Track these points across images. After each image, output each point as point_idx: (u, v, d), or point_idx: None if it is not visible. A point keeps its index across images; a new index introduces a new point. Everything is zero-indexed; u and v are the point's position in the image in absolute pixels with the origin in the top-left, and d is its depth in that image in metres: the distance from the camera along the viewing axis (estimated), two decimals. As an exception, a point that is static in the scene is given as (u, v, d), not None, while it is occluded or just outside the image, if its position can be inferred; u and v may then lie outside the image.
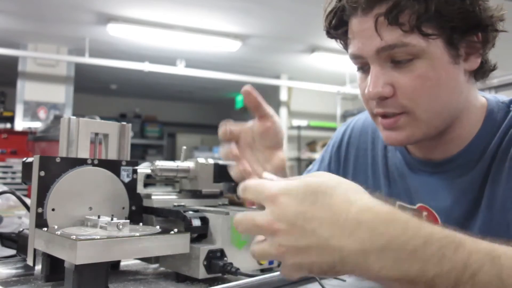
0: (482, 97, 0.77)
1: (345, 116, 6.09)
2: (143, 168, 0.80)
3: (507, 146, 0.70)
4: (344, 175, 0.95)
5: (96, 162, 0.72)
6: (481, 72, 0.73)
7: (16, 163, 4.18)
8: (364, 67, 0.72)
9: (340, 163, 0.97)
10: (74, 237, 0.57)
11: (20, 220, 1.31)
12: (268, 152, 0.73)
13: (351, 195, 0.45)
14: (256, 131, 0.72)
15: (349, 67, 5.08)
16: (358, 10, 0.68)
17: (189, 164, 0.82)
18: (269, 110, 0.72)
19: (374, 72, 0.68)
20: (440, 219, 0.77)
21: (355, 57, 0.72)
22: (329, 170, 0.99)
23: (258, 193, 0.47)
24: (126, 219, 0.70)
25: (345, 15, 0.71)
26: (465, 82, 0.71)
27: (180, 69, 5.38)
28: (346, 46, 0.76)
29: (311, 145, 6.42)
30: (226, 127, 0.70)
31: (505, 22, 0.70)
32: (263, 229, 0.46)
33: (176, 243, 0.65)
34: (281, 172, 0.75)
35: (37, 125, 4.67)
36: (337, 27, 0.74)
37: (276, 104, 6.78)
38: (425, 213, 0.79)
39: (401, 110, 0.68)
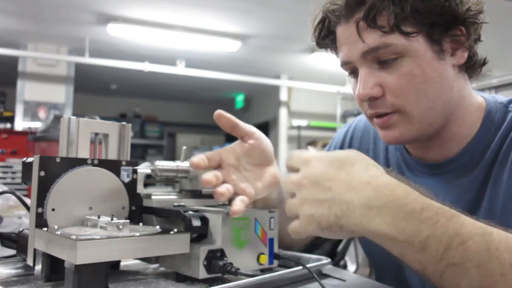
0: (479, 96, 0.77)
1: (345, 116, 6.09)
2: (143, 168, 0.80)
3: (508, 148, 0.70)
4: None
5: (96, 162, 0.72)
6: (471, 66, 0.74)
7: (16, 163, 4.18)
8: (354, 72, 0.74)
9: None
10: (74, 237, 0.57)
11: (20, 220, 1.31)
12: (257, 169, 0.74)
13: (370, 168, 0.54)
14: (239, 151, 0.73)
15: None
16: (341, 18, 0.71)
17: (189, 164, 0.82)
18: (249, 128, 0.74)
19: (362, 75, 0.70)
20: None
21: (344, 64, 0.74)
22: None
23: (299, 158, 0.58)
24: (126, 219, 0.70)
25: (331, 25, 0.75)
26: (455, 77, 0.72)
27: (180, 69, 5.38)
28: (337, 54, 0.78)
29: (311, 145, 6.41)
30: (199, 158, 0.71)
31: (489, 14, 0.71)
32: (294, 183, 0.57)
33: (176, 243, 0.65)
34: (274, 188, 0.77)
35: (37, 125, 4.67)
36: (325, 37, 0.77)
37: (276, 104, 6.78)
38: None
39: (391, 109, 0.70)
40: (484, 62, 0.75)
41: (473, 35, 0.70)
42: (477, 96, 0.77)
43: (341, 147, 0.98)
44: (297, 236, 0.56)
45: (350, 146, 0.96)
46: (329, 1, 0.73)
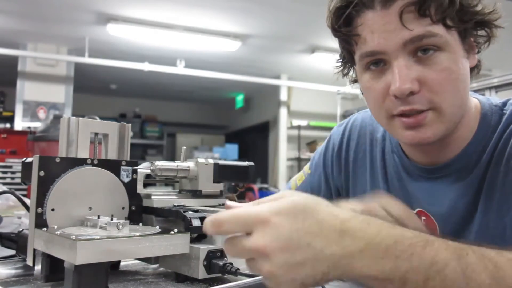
0: (474, 98, 0.77)
1: (345, 116, 6.09)
2: (143, 168, 0.80)
3: (502, 150, 0.70)
4: (346, 180, 0.94)
5: (96, 162, 0.72)
6: (476, 71, 0.74)
7: (15, 163, 4.18)
8: (379, 64, 0.69)
9: (342, 167, 0.94)
10: (73, 237, 0.57)
11: (19, 220, 1.31)
12: None
13: (333, 210, 0.49)
14: None
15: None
16: (376, 4, 0.66)
17: (189, 164, 0.81)
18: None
19: (400, 67, 0.66)
20: (438, 224, 0.77)
21: (373, 54, 0.68)
22: (329, 175, 0.97)
23: (244, 221, 0.48)
24: (126, 219, 0.70)
25: (355, 11, 0.68)
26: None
27: (180, 69, 5.38)
28: (349, 45, 0.73)
29: (311, 145, 6.42)
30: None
31: (503, 21, 0.72)
32: (258, 252, 0.47)
33: (176, 243, 0.65)
34: None
35: (36, 125, 4.67)
36: (347, 24, 0.70)
37: (276, 104, 6.78)
38: (423, 218, 0.79)
39: (427, 106, 0.66)
40: (481, 67, 0.76)
41: (490, 40, 0.71)
42: (472, 99, 0.77)
43: (339, 148, 0.96)
44: None
45: (347, 147, 0.94)
46: None
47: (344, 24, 0.70)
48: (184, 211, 0.72)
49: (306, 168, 1.04)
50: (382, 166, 0.87)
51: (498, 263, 0.47)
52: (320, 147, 1.03)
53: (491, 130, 0.72)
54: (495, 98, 0.79)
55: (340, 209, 0.50)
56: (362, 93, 0.77)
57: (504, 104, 0.75)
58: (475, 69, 0.74)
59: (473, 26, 0.69)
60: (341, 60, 0.81)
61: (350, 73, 0.82)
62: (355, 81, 0.82)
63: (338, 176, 0.95)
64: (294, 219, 0.47)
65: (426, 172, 0.78)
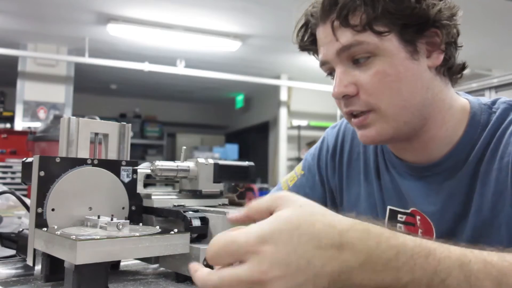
0: (463, 98, 0.78)
1: (345, 116, 6.09)
2: (143, 168, 0.80)
3: (495, 148, 0.70)
4: (339, 181, 0.95)
5: (96, 162, 0.72)
6: (448, 69, 0.75)
7: (16, 163, 4.19)
8: (332, 73, 0.76)
9: (336, 169, 0.95)
10: (74, 237, 0.57)
11: (20, 220, 1.31)
12: None
13: (330, 220, 0.46)
14: None
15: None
16: (319, 20, 0.74)
17: (189, 164, 0.82)
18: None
19: (338, 74, 0.72)
20: (432, 223, 0.77)
21: (322, 64, 0.76)
22: (324, 177, 0.97)
23: (233, 253, 0.44)
24: (126, 219, 0.70)
25: (312, 28, 0.78)
26: (431, 79, 0.73)
27: (180, 69, 5.38)
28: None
29: (311, 145, 6.41)
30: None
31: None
32: (255, 283, 0.43)
33: (176, 243, 0.65)
34: None
35: (37, 125, 4.67)
36: (307, 40, 0.80)
37: (276, 104, 6.78)
38: (418, 217, 0.79)
39: (366, 107, 0.72)
40: (463, 67, 0.76)
41: (448, 38, 0.71)
42: (459, 99, 0.78)
43: (334, 150, 0.96)
44: None
45: (342, 149, 0.94)
46: (310, 5, 0.76)
47: (307, 40, 0.80)
48: (184, 211, 0.72)
49: (298, 169, 1.02)
50: (376, 167, 0.87)
51: (502, 269, 0.46)
52: (313, 148, 1.02)
53: (480, 128, 0.73)
54: (485, 98, 0.80)
55: (338, 218, 0.47)
56: None
57: (493, 103, 0.76)
58: (453, 69, 0.75)
59: (416, 28, 0.69)
60: None
61: None
62: None
63: (332, 178, 0.95)
64: (289, 239, 0.43)
65: (417, 171, 0.79)
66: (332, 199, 0.96)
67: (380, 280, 0.45)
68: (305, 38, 0.80)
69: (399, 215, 0.83)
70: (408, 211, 0.81)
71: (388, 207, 0.84)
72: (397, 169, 0.83)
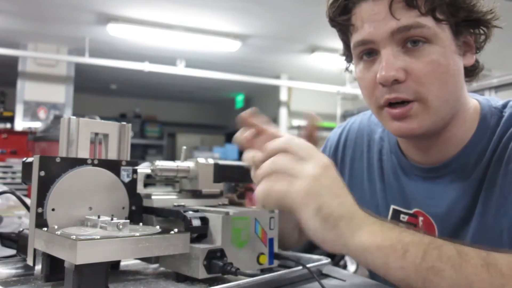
0: (474, 99, 0.77)
1: (345, 116, 6.09)
2: (143, 168, 0.80)
3: (502, 153, 0.70)
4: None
5: (96, 162, 0.72)
6: (473, 71, 0.75)
7: (16, 163, 4.18)
8: (370, 54, 0.70)
9: (337, 167, 0.94)
10: (74, 237, 0.57)
11: (20, 220, 1.31)
12: None
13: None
14: None
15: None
16: None
17: (189, 164, 0.82)
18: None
19: (387, 56, 0.67)
20: (436, 225, 0.77)
21: (363, 43, 0.70)
22: None
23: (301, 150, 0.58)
24: (126, 219, 0.70)
25: (351, 2, 0.70)
26: (463, 77, 0.72)
27: (180, 69, 5.38)
28: (346, 37, 0.76)
29: (311, 145, 6.42)
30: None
31: (500, 22, 0.72)
32: (298, 168, 0.57)
33: (176, 243, 0.65)
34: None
35: (37, 125, 4.67)
36: (343, 14, 0.72)
37: (276, 104, 6.78)
38: (421, 218, 0.79)
39: (413, 96, 0.67)
40: (481, 69, 0.76)
41: (484, 41, 0.72)
42: (471, 100, 0.77)
43: (336, 149, 0.96)
44: None
45: (344, 148, 0.95)
46: None
47: (341, 15, 0.72)
48: (184, 211, 0.72)
49: None
50: (379, 167, 0.87)
51: (491, 253, 0.52)
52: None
53: (490, 131, 0.73)
54: (495, 99, 0.78)
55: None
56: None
57: (504, 106, 0.75)
58: (474, 71, 0.75)
59: (468, 24, 0.69)
60: (343, 54, 0.83)
61: (352, 68, 0.83)
62: None
63: None
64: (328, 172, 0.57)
65: (424, 172, 0.78)
66: None
67: (385, 235, 0.54)
68: (341, 11, 0.72)
69: (401, 215, 0.82)
70: (411, 211, 0.80)
71: (392, 206, 0.84)
72: (403, 169, 0.82)
